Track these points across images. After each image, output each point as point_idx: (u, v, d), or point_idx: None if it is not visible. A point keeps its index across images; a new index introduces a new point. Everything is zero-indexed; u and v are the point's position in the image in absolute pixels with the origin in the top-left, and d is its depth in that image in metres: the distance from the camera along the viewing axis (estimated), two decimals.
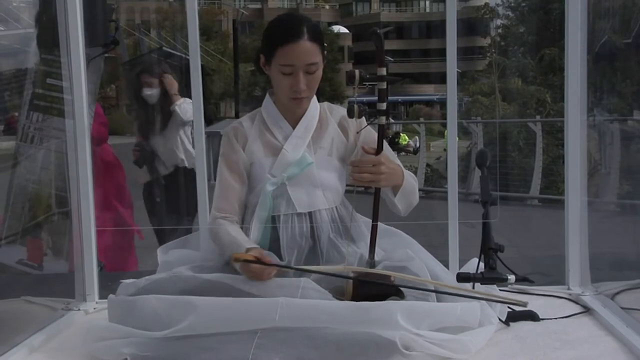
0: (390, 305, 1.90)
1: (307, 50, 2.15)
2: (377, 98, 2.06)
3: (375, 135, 2.17)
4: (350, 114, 2.07)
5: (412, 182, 2.25)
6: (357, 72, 2.04)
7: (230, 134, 2.32)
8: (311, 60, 2.17)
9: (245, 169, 2.29)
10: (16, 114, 4.23)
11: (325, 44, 2.27)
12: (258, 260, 1.99)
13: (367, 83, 2.11)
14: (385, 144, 2.31)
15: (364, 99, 2.22)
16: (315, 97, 2.30)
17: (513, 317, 2.36)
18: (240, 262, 2.02)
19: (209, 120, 4.97)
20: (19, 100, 4.17)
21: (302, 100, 2.23)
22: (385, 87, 2.06)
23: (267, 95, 2.35)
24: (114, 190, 4.71)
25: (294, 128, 2.29)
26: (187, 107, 4.72)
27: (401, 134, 24.29)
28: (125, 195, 4.89)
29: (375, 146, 2.14)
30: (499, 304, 2.32)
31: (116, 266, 4.50)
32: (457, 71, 2.76)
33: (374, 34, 2.03)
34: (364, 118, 2.17)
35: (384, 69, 2.06)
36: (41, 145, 4.00)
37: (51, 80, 3.87)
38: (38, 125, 4.01)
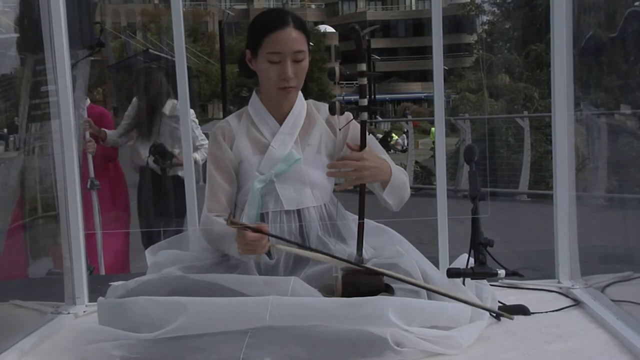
0: (381, 301, 1.90)
1: (294, 37, 2.18)
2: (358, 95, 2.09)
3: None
4: (332, 110, 2.10)
5: (401, 177, 2.25)
6: (336, 68, 2.10)
7: (217, 133, 2.31)
8: (298, 48, 2.18)
9: (234, 167, 2.29)
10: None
11: (310, 41, 2.29)
12: (254, 228, 2.00)
13: (353, 82, 2.12)
14: (375, 140, 2.33)
15: (352, 97, 2.22)
16: (301, 94, 2.30)
17: (504, 311, 2.36)
18: (236, 229, 2.01)
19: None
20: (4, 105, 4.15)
21: (289, 90, 2.23)
22: (365, 83, 2.08)
23: (254, 93, 2.35)
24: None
25: (280, 125, 2.28)
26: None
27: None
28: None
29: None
30: (489, 299, 2.32)
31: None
32: (444, 68, 2.76)
33: (352, 30, 2.07)
34: (347, 115, 2.18)
35: (364, 64, 2.08)
36: (42, 154, 3.96)
37: (45, 88, 3.85)
38: (37, 135, 3.97)
